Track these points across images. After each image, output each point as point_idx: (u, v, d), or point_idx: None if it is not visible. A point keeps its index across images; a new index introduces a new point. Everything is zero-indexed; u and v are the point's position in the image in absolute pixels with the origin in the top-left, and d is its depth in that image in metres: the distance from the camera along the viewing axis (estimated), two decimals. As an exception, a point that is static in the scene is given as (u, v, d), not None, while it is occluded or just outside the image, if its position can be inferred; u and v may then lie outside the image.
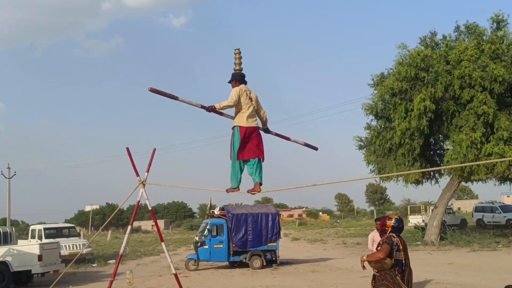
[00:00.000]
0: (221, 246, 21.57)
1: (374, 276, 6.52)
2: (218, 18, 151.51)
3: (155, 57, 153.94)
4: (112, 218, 15.04)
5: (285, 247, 30.69)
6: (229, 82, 7.66)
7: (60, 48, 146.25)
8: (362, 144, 30.88)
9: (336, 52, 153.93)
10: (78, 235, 29.40)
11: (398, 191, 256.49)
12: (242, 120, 7.35)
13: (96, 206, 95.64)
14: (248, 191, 7.53)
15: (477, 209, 43.51)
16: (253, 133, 7.43)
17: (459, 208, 71.33)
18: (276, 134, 8.11)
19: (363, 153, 30.69)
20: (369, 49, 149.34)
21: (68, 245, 24.70)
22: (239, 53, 7.74)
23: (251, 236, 21.31)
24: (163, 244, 11.08)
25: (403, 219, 6.75)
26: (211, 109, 7.20)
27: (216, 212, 23.13)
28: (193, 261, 21.73)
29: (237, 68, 7.73)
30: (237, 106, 7.35)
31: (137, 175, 10.38)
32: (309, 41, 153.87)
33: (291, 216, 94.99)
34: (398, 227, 6.42)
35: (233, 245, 21.31)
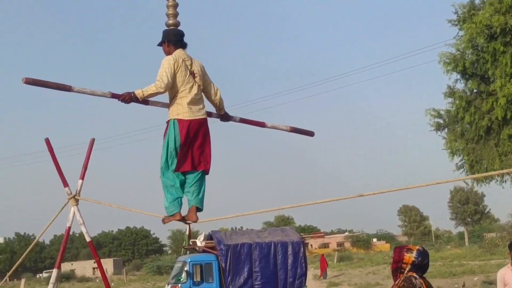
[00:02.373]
0: (210, 298, 21.69)
1: None
2: None
3: None
4: (26, 257, 15.02)
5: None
6: (159, 44, 7.83)
7: None
8: (442, 122, 30.82)
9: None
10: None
11: (505, 199, 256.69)
12: (182, 109, 7.47)
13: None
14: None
15: None
16: (200, 130, 7.58)
17: None
18: (242, 120, 8.38)
19: (444, 137, 30.65)
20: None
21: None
22: None
23: (259, 280, 21.41)
24: (112, 298, 11.08)
25: (428, 252, 6.90)
26: (129, 98, 7.29)
27: (199, 244, 23.19)
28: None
29: (170, 22, 7.86)
30: (172, 87, 7.44)
31: (65, 184, 10.33)
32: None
33: (325, 245, 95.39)
34: (422, 264, 6.56)
35: (230, 296, 21.42)
